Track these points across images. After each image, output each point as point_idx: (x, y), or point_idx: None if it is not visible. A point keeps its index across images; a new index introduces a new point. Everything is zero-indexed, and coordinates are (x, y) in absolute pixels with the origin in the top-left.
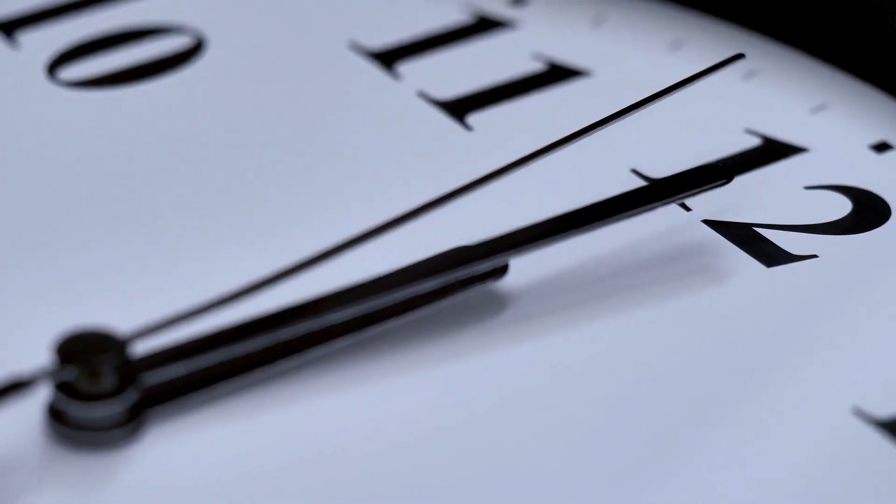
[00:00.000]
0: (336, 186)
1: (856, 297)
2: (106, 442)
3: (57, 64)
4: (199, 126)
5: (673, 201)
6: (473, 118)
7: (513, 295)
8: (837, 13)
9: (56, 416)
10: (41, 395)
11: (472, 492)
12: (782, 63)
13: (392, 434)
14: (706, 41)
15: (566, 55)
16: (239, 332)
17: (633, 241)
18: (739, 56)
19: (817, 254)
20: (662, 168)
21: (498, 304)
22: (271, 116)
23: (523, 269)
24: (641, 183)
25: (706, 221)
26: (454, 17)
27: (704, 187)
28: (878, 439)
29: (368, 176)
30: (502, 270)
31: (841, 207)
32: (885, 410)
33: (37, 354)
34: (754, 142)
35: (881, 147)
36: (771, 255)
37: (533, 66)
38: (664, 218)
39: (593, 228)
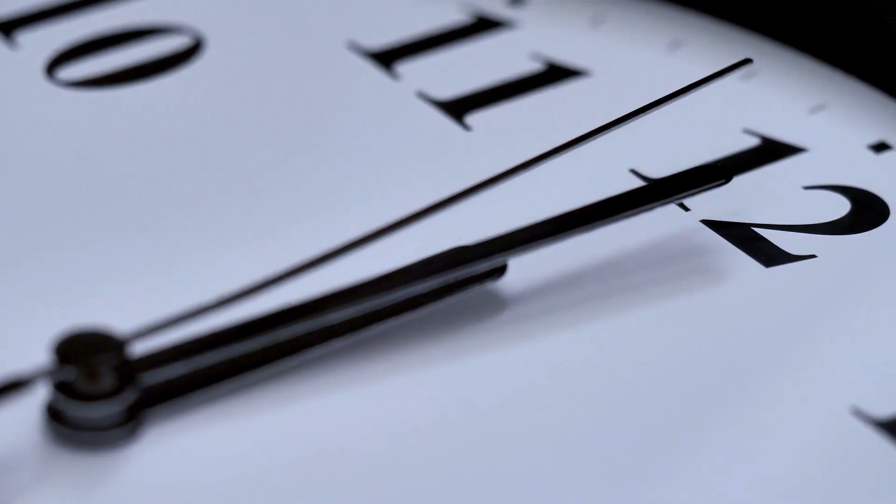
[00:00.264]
0: (335, 186)
1: (855, 296)
2: (104, 442)
3: (56, 64)
4: (198, 126)
5: (672, 201)
6: (472, 118)
7: (512, 295)
8: (836, 13)
9: (55, 415)
10: (40, 395)
11: (472, 492)
12: (781, 63)
13: (391, 434)
14: (705, 41)
15: (565, 55)
16: (238, 333)
17: (632, 242)
18: (747, 61)
19: (816, 254)
20: (661, 168)
21: (497, 304)
22: (270, 116)
23: (522, 269)
24: (640, 183)
25: (705, 221)
26: (453, 16)
27: (703, 187)
28: (877, 439)
29: (367, 176)
30: (501, 270)
31: (840, 207)
32: (883, 410)
33: (36, 354)
34: (753, 142)
35: (880, 147)
36: (770, 255)
37: (532, 66)
38: (663, 218)
39: (592, 229)
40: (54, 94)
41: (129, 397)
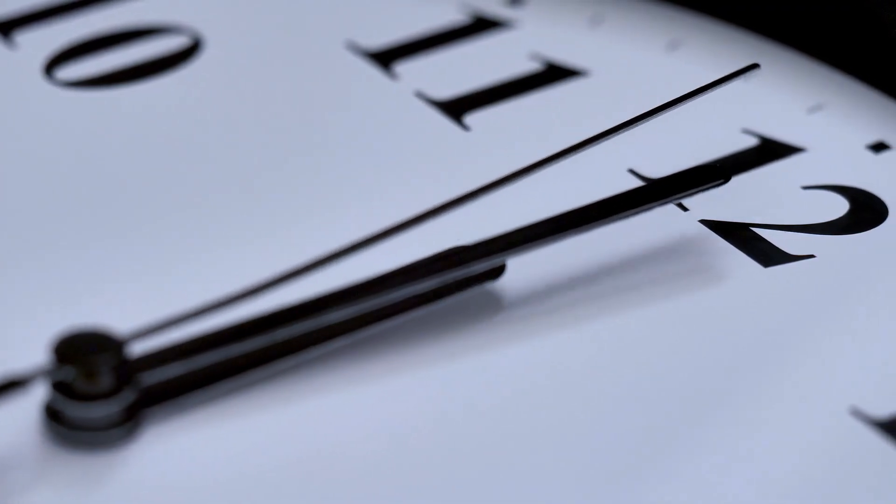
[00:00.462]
0: (334, 186)
1: (853, 296)
2: (103, 442)
3: (54, 64)
4: (197, 126)
5: (670, 201)
6: (471, 118)
7: (510, 295)
8: (834, 13)
9: (53, 415)
10: (38, 395)
11: (471, 492)
12: (779, 63)
13: (390, 434)
14: (704, 41)
15: (563, 55)
16: (236, 333)
17: (631, 242)
18: (755, 66)
19: (814, 254)
20: (660, 168)
21: (495, 304)
22: (268, 116)
23: (520, 269)
24: (639, 183)
25: (703, 221)
26: (451, 16)
27: (702, 187)
28: (876, 439)
29: (366, 176)
30: (499, 271)
31: (838, 207)
32: (882, 410)
33: (35, 354)
34: (751, 142)
35: (878, 147)
36: (768, 255)
37: (530, 66)
38: (661, 218)
39: (590, 229)
40: (53, 94)
41: (127, 397)
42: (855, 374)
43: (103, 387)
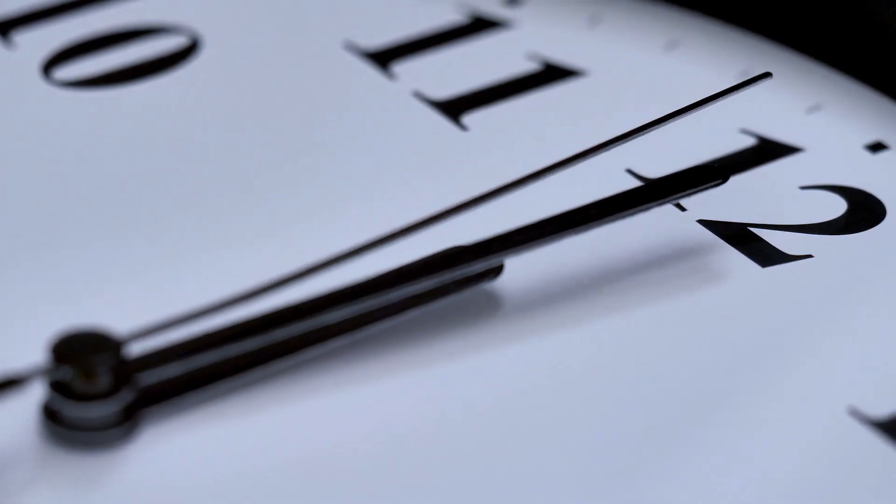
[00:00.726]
0: (332, 186)
1: (851, 297)
2: (101, 442)
3: (52, 64)
4: (195, 126)
5: (668, 201)
6: (469, 118)
7: (508, 295)
8: (833, 13)
9: (51, 415)
10: (36, 395)
11: (471, 492)
12: (777, 63)
13: (389, 434)
14: (702, 41)
15: (562, 55)
16: (234, 333)
17: (628, 242)
18: (767, 74)
19: (812, 254)
20: (658, 168)
21: (493, 304)
22: (267, 116)
23: (518, 269)
24: (637, 183)
25: (701, 221)
26: (449, 17)
27: (700, 187)
28: (875, 439)
29: (364, 176)
30: (497, 270)
31: (836, 207)
32: (881, 410)
33: (34, 354)
34: (749, 142)
35: (876, 147)
36: (766, 255)
37: (528, 66)
38: (660, 218)
39: (588, 229)
40: (51, 94)
41: (125, 397)
42: (854, 374)
43: (101, 387)
